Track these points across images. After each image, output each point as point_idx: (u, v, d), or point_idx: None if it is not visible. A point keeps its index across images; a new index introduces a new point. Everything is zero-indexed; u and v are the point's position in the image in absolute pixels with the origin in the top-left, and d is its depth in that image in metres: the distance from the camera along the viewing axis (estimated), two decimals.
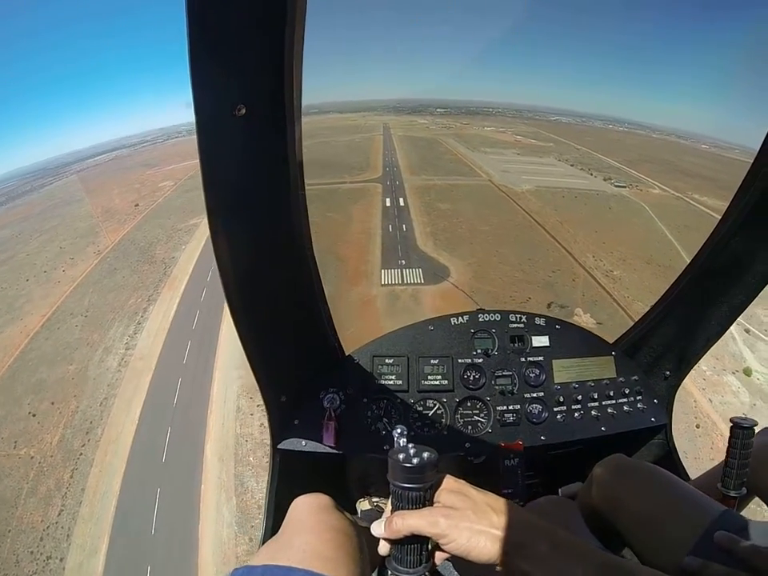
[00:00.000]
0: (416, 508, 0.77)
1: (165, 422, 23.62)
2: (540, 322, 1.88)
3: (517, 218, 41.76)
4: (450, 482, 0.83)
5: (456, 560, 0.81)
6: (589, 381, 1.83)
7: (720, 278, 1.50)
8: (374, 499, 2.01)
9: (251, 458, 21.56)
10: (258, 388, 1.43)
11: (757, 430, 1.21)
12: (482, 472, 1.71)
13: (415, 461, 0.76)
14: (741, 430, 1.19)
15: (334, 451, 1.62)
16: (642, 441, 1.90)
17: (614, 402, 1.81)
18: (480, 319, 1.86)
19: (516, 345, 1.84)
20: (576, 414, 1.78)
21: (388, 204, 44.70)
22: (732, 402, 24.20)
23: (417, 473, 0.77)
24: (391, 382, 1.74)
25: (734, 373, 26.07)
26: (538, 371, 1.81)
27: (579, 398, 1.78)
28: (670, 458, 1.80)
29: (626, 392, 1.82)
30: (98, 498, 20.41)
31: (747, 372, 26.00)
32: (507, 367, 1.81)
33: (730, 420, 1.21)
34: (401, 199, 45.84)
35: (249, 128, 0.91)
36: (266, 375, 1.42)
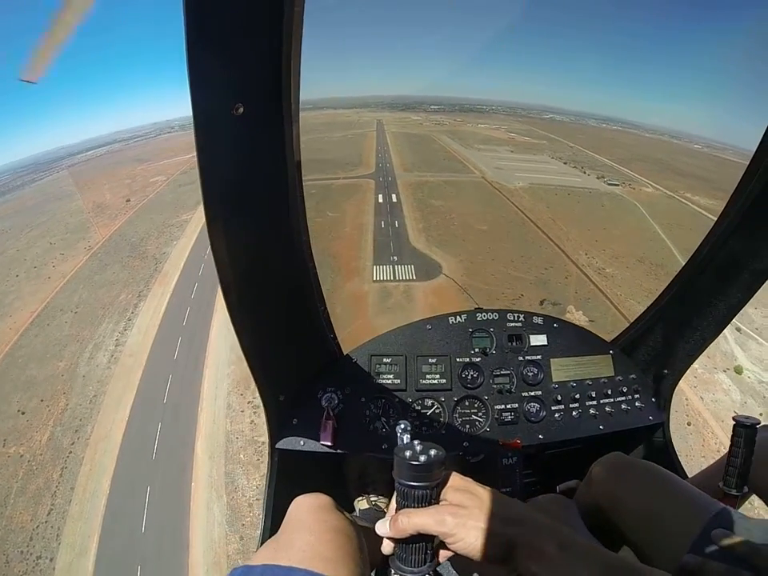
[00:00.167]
0: (422, 506, 0.76)
1: (155, 420, 23.43)
2: (538, 320, 1.88)
3: (510, 215, 41.87)
4: (456, 479, 0.82)
5: (455, 559, 0.80)
6: (587, 379, 1.83)
7: (717, 277, 1.50)
8: (373, 498, 2.01)
9: (242, 456, 21.46)
10: (255, 387, 1.41)
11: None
12: (480, 471, 1.70)
13: (422, 458, 0.75)
14: (744, 428, 1.20)
15: (332, 450, 1.62)
16: (640, 439, 1.91)
17: (611, 400, 1.81)
18: (478, 318, 1.86)
19: (514, 344, 1.84)
20: (574, 413, 1.78)
21: (381, 200, 44.58)
22: (723, 400, 24.49)
23: (424, 471, 0.75)
24: (389, 381, 1.73)
25: (725, 371, 26.39)
26: (536, 370, 1.81)
27: (577, 396, 1.79)
28: (667, 456, 1.81)
29: (624, 390, 1.83)
30: (88, 497, 20.25)
31: (738, 370, 26.36)
32: (505, 366, 1.81)
33: (733, 418, 1.22)
34: (393, 195, 45.77)
35: (247, 127, 0.90)
36: (264, 375, 1.41)
